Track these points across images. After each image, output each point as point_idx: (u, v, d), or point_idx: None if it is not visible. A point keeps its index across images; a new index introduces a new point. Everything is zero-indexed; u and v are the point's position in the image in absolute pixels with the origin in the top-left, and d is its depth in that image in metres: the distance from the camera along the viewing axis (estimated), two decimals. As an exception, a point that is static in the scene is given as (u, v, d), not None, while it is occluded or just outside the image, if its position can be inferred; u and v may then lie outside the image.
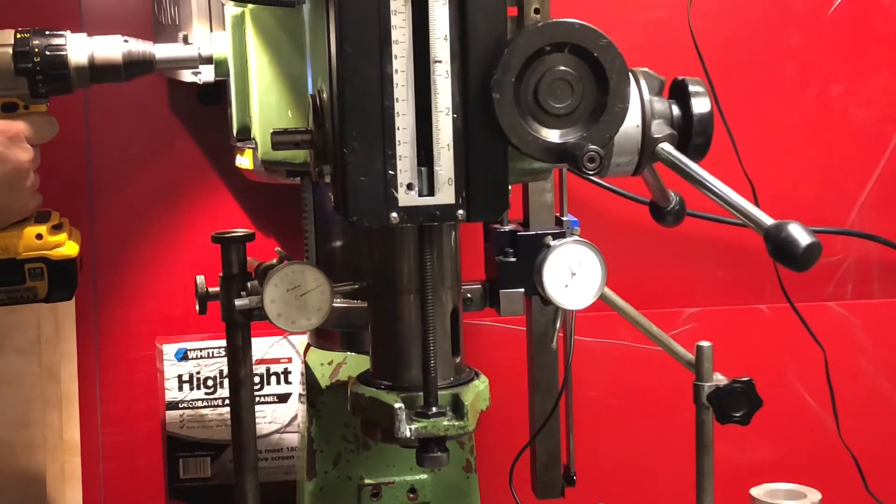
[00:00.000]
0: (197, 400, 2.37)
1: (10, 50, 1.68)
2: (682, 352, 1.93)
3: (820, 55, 2.48)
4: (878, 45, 2.48)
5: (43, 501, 2.32)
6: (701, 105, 1.64)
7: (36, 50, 1.68)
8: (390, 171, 1.45)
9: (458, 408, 1.58)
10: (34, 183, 1.74)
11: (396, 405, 1.55)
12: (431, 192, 1.46)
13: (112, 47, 1.73)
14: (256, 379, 2.33)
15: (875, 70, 2.49)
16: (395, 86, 1.44)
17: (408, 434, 1.55)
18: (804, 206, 2.47)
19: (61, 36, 1.70)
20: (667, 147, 1.61)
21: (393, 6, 1.43)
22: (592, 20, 1.45)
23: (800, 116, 2.48)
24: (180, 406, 2.37)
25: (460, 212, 1.47)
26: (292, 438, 2.37)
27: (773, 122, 2.48)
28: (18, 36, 1.68)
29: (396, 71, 1.44)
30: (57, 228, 1.78)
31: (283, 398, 2.39)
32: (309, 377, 2.00)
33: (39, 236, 1.73)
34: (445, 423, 1.55)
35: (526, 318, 2.04)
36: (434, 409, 1.55)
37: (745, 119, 2.36)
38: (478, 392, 1.62)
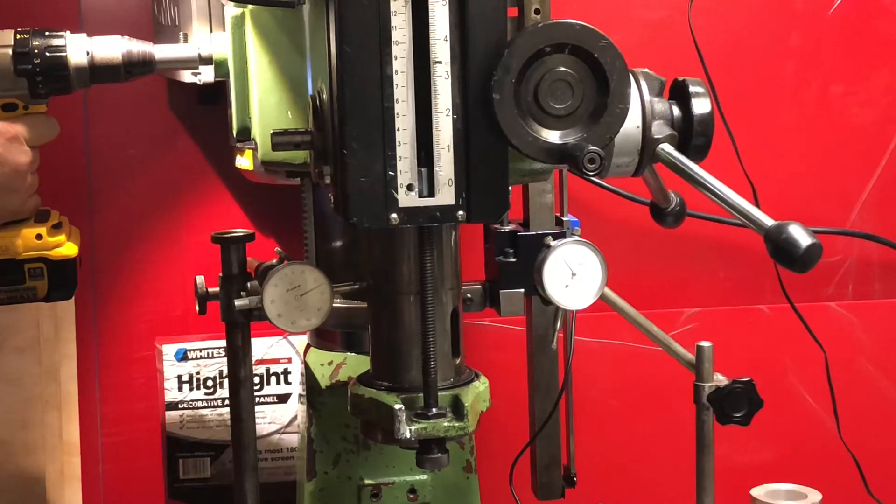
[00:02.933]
0: (197, 400, 2.37)
1: (9, 51, 1.67)
2: (682, 352, 1.92)
3: (820, 55, 2.48)
4: (879, 45, 2.48)
5: (42, 502, 2.32)
6: (701, 106, 1.64)
7: (36, 51, 1.68)
8: (390, 172, 1.45)
9: (458, 409, 1.57)
10: (32, 185, 1.73)
11: (396, 406, 1.55)
12: (431, 193, 1.46)
13: (112, 47, 1.73)
14: (256, 379, 2.33)
15: (875, 70, 2.49)
16: (395, 87, 1.44)
17: (408, 435, 1.55)
18: (804, 206, 2.47)
19: (61, 36, 1.70)
20: (667, 148, 1.61)
21: (393, 7, 1.43)
22: (592, 21, 1.45)
23: (800, 116, 2.48)
24: (180, 406, 2.37)
25: (460, 213, 1.47)
26: (292, 439, 2.37)
27: (773, 123, 2.48)
28: (18, 37, 1.68)
29: (396, 72, 1.44)
30: (56, 228, 1.77)
31: (283, 398, 2.38)
32: (309, 377, 2.00)
33: (39, 236, 1.73)
34: (445, 424, 1.55)
35: (526, 318, 2.04)
36: (434, 411, 1.55)
37: (745, 119, 2.36)
38: (478, 393, 1.62)
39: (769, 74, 2.46)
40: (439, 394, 1.57)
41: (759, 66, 2.45)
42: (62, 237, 1.76)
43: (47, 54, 1.68)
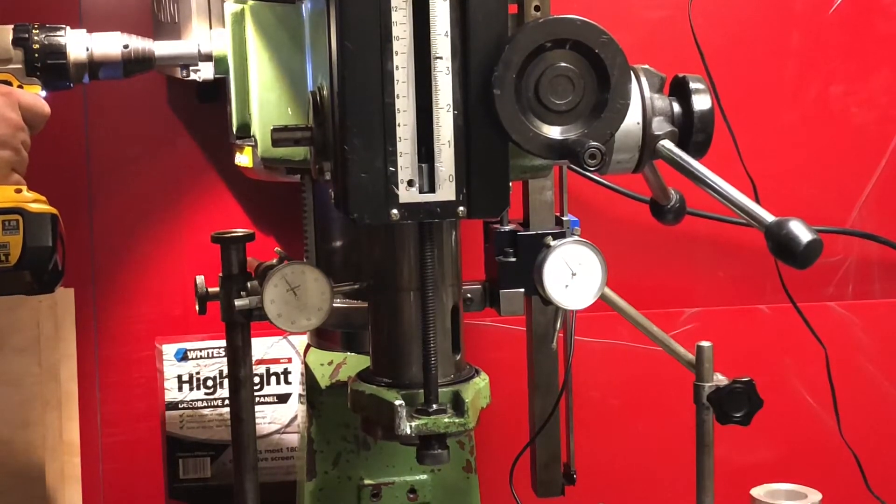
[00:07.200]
0: (197, 400, 2.37)
1: (8, 28, 1.67)
2: (682, 352, 1.92)
3: (820, 55, 2.48)
4: (879, 45, 2.49)
5: (43, 501, 2.32)
6: (702, 102, 1.64)
7: (35, 28, 1.68)
8: (391, 168, 1.45)
9: (458, 405, 1.57)
10: (22, 159, 1.64)
11: (397, 402, 1.55)
12: (432, 189, 1.47)
13: (111, 44, 1.73)
14: (256, 379, 2.33)
15: (875, 70, 2.49)
16: (395, 82, 1.44)
17: (408, 431, 1.54)
18: (805, 205, 2.47)
19: (61, 30, 1.71)
20: (668, 144, 1.61)
21: (394, 2, 1.43)
22: (593, 19, 1.45)
23: (800, 116, 2.49)
24: (180, 406, 2.37)
25: (461, 208, 1.47)
26: (292, 438, 2.37)
27: (773, 122, 2.48)
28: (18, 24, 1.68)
29: (397, 67, 1.44)
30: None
31: (283, 398, 2.38)
32: (309, 377, 2.00)
33: (19, 191, 1.62)
34: (446, 420, 1.55)
35: (526, 318, 2.04)
36: (434, 407, 1.55)
37: (745, 118, 2.36)
38: (478, 389, 1.62)
39: (769, 74, 2.46)
40: (440, 390, 1.57)
41: (759, 65, 2.45)
42: (45, 200, 1.64)
43: (45, 31, 1.69)
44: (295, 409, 2.38)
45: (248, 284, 1.86)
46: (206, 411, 2.37)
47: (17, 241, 1.60)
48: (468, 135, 1.46)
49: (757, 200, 1.45)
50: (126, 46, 1.73)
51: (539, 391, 2.07)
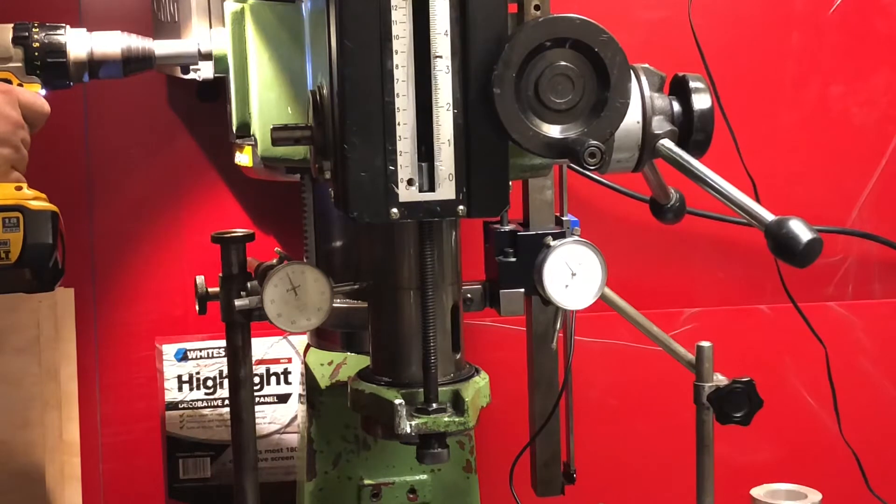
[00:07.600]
0: (197, 400, 2.37)
1: (8, 26, 1.67)
2: (682, 352, 1.92)
3: (820, 55, 2.48)
4: (879, 45, 2.49)
5: (42, 501, 2.32)
6: (701, 101, 1.64)
7: (35, 27, 1.68)
8: (391, 167, 1.45)
9: (458, 404, 1.57)
10: (22, 157, 1.63)
11: (397, 401, 1.55)
12: (432, 188, 1.47)
13: (111, 42, 1.73)
14: (256, 379, 2.33)
15: (875, 70, 2.49)
16: (395, 81, 1.44)
17: (408, 430, 1.54)
18: (805, 205, 2.47)
19: (61, 27, 1.71)
20: (667, 143, 1.61)
21: (393, 1, 1.43)
22: (593, 19, 1.45)
23: (800, 116, 2.49)
24: (180, 406, 2.37)
25: (461, 207, 1.47)
26: (292, 438, 2.37)
27: (773, 122, 2.48)
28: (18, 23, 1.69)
29: (397, 66, 1.44)
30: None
31: (283, 398, 2.38)
32: (309, 378, 2.00)
33: (19, 188, 1.60)
34: (446, 419, 1.55)
35: (526, 318, 2.04)
36: (434, 406, 1.55)
37: (745, 118, 2.36)
38: (478, 388, 1.62)
39: (769, 74, 2.46)
40: (439, 389, 1.57)
41: (759, 65, 2.45)
42: (45, 197, 1.62)
43: (45, 30, 1.69)
44: (295, 409, 2.38)
45: (248, 284, 1.86)
46: (206, 411, 2.37)
47: (18, 238, 1.58)
48: (468, 134, 1.46)
49: (757, 200, 1.45)
50: (126, 45, 1.73)
51: (539, 391, 2.07)
